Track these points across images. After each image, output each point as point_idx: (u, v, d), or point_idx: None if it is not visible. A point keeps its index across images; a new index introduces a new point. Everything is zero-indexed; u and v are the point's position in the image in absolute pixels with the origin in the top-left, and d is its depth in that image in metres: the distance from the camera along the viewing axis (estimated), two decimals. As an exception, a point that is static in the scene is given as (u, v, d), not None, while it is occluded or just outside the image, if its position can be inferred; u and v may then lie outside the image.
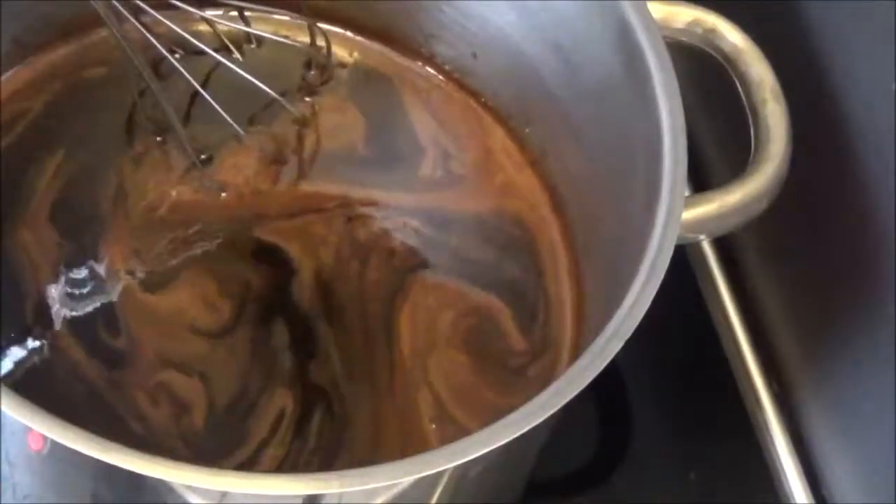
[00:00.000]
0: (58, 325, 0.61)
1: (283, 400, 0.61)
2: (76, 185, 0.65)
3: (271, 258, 0.65)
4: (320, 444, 0.61)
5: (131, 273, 0.63)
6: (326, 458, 0.61)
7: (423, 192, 0.69)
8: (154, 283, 0.63)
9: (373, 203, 0.68)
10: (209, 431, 0.60)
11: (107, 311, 0.62)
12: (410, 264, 0.67)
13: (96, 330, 0.62)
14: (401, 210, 0.68)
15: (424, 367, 0.64)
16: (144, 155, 0.67)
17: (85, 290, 0.63)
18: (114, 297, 0.62)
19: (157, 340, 0.62)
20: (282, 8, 0.70)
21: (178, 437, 0.60)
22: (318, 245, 0.66)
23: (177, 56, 0.66)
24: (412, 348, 0.64)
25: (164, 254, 0.64)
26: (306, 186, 0.68)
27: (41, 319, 0.62)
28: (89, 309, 0.62)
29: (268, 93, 0.66)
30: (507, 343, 0.65)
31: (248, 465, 0.60)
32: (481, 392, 0.63)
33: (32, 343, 0.61)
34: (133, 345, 0.61)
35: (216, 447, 0.60)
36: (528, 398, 0.51)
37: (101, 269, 0.63)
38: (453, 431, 0.62)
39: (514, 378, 0.64)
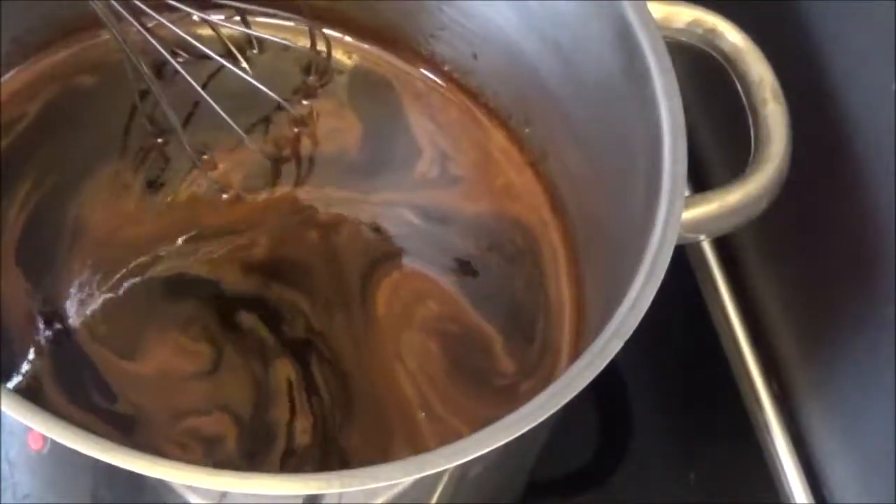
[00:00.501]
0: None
1: (284, 370, 0.63)
2: (41, 215, 0.65)
3: (191, 287, 0.65)
4: (330, 392, 0.62)
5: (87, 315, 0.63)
6: (343, 406, 0.62)
7: (417, 190, 0.69)
8: (125, 350, 0.62)
9: (357, 200, 0.69)
10: (243, 449, 0.61)
11: (97, 382, 0.61)
12: (396, 246, 0.67)
13: (94, 400, 0.61)
14: (392, 203, 0.69)
15: (398, 341, 0.65)
16: (112, 176, 0.67)
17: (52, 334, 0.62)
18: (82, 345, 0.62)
19: (161, 401, 0.61)
20: (283, 10, 0.70)
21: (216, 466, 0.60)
22: (238, 251, 0.66)
23: (179, 60, 0.66)
24: (388, 313, 0.65)
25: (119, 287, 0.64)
26: (297, 192, 0.68)
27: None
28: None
29: (269, 95, 0.66)
30: (494, 365, 0.65)
31: (290, 453, 0.61)
32: (459, 398, 0.64)
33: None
34: (139, 410, 0.61)
35: (252, 457, 0.60)
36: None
37: (63, 314, 0.63)
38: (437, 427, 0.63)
39: (500, 395, 0.64)
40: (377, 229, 0.68)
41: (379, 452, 0.62)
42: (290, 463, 0.61)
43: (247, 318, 0.64)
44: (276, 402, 0.62)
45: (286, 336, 0.64)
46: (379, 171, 0.69)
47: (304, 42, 0.71)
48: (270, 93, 0.66)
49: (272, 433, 0.61)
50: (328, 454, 0.61)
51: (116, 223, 0.65)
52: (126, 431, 0.60)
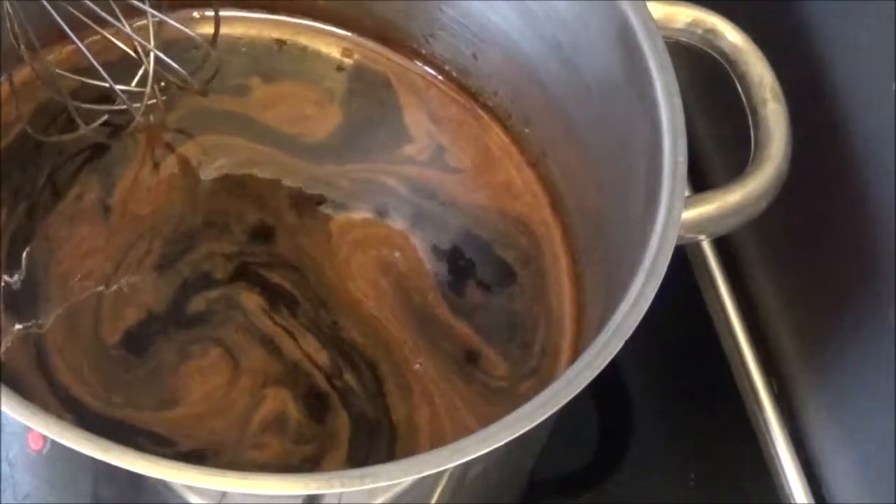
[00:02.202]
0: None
1: (255, 303, 0.64)
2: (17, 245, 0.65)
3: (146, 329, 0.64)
4: (296, 287, 0.65)
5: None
6: (318, 302, 0.65)
7: (403, 164, 0.69)
8: (158, 404, 0.61)
9: (284, 158, 0.69)
10: (303, 407, 0.62)
11: (144, 435, 0.60)
12: (359, 197, 0.68)
13: (151, 451, 0.58)
14: (362, 171, 0.69)
15: (349, 261, 0.66)
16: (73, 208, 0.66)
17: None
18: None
19: (221, 422, 0.61)
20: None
21: (295, 443, 0.61)
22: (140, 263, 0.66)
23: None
24: (340, 235, 0.67)
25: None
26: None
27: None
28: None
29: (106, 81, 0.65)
30: (483, 366, 0.65)
31: (330, 379, 0.63)
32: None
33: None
34: (203, 441, 0.61)
35: (313, 410, 0.62)
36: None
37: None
38: None
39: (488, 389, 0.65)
40: (326, 182, 0.68)
41: (380, 343, 0.64)
42: (339, 386, 0.62)
43: (197, 303, 0.64)
44: (279, 340, 0.63)
45: (222, 279, 0.65)
46: (348, 152, 0.70)
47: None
48: (108, 80, 0.65)
49: (305, 372, 0.63)
50: (349, 357, 0.63)
51: (77, 254, 0.65)
52: (199, 462, 0.58)
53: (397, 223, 0.68)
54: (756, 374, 0.74)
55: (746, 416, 0.74)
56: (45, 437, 0.50)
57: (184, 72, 0.67)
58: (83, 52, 0.64)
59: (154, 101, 0.67)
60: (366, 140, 0.70)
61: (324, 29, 0.72)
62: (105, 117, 0.67)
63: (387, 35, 0.72)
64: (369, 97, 0.72)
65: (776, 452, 0.72)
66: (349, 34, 0.73)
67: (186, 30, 0.65)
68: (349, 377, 0.63)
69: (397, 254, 0.67)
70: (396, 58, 0.72)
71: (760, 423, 0.73)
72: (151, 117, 0.68)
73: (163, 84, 0.68)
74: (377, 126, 0.71)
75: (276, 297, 0.64)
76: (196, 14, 0.70)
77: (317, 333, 0.64)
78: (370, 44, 0.72)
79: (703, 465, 0.72)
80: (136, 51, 0.66)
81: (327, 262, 0.66)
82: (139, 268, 0.65)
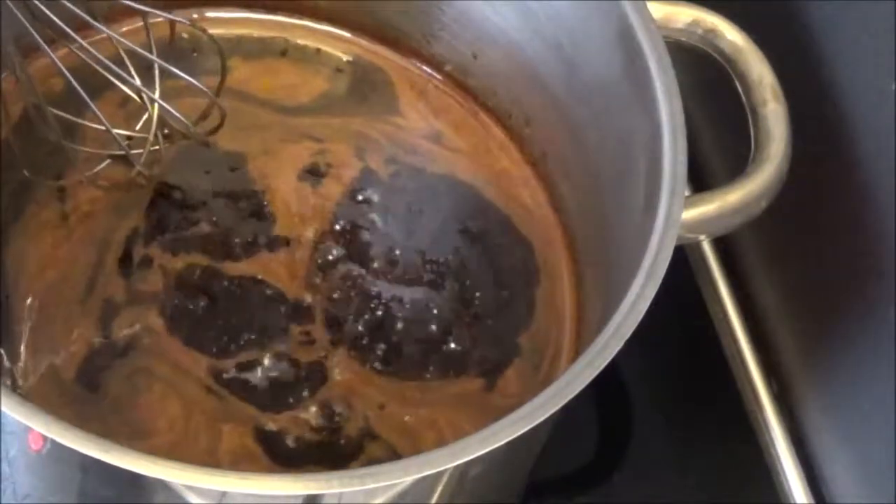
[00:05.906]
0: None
1: (153, 320, 0.62)
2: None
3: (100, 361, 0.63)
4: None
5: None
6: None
7: (390, 128, 0.69)
8: (136, 434, 0.60)
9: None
10: (268, 441, 0.61)
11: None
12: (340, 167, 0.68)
13: None
14: (349, 122, 0.69)
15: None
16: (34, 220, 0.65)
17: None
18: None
19: (198, 456, 0.60)
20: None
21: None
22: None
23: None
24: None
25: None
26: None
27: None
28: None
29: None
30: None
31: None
32: None
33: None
34: None
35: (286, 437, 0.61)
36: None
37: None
38: None
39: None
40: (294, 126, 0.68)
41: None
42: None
43: (117, 329, 0.62)
44: (195, 369, 0.62)
45: (123, 300, 0.63)
46: (330, 110, 0.70)
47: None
48: (103, 120, 0.62)
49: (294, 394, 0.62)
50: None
51: (36, 271, 0.63)
52: None
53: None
54: (756, 374, 0.74)
55: (746, 416, 0.74)
56: (45, 437, 0.50)
57: (187, 122, 0.64)
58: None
59: (157, 147, 0.65)
60: (352, 105, 0.70)
61: (324, 30, 0.72)
62: (107, 161, 0.65)
63: (387, 35, 0.72)
64: (364, 88, 0.72)
65: (776, 452, 0.72)
66: (349, 34, 0.73)
67: (193, 81, 0.62)
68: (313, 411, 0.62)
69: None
70: (396, 57, 0.72)
71: (760, 423, 0.73)
72: (153, 168, 0.66)
73: (166, 131, 0.65)
74: (367, 100, 0.71)
75: (182, 313, 0.63)
76: (196, 15, 0.70)
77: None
78: (370, 44, 0.72)
79: (703, 465, 0.72)
80: (140, 96, 0.65)
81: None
82: (77, 285, 0.63)
